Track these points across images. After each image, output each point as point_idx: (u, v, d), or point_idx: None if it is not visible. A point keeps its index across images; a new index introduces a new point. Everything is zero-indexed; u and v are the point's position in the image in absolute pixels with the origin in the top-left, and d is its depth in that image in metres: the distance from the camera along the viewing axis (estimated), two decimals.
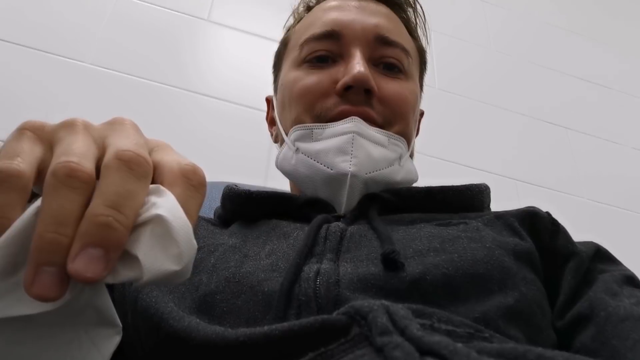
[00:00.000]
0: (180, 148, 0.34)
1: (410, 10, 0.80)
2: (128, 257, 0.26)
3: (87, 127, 0.31)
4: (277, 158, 0.71)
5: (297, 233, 0.55)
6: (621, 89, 2.04)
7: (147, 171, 0.28)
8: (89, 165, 0.27)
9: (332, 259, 0.48)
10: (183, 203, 0.29)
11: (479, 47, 1.93)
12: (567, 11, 2.20)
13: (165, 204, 0.27)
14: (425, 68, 0.81)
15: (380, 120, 0.65)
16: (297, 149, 0.65)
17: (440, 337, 0.31)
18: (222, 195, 0.67)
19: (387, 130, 0.65)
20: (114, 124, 0.32)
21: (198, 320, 0.41)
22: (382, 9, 0.74)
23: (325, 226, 0.54)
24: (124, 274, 0.26)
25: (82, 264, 0.24)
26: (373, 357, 0.31)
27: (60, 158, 0.27)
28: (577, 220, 1.44)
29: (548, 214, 0.61)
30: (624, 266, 0.57)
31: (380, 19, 0.71)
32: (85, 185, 0.26)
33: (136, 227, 0.27)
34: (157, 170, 0.30)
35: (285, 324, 0.36)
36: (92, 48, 1.37)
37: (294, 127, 0.66)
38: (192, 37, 1.51)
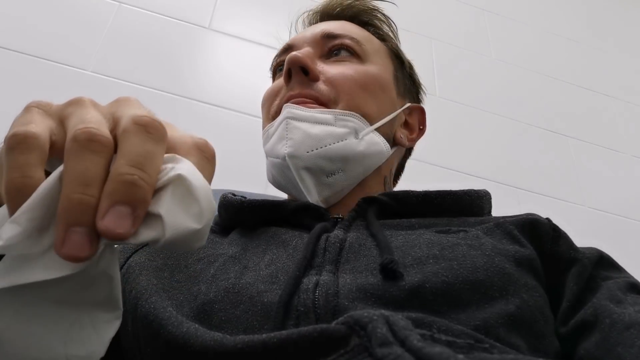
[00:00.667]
0: None
1: (386, 26, 0.84)
2: (149, 218, 0.27)
3: (94, 103, 0.32)
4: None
5: (295, 241, 0.55)
6: (623, 97, 2.04)
7: (163, 135, 0.29)
8: (107, 132, 0.28)
9: (331, 271, 0.48)
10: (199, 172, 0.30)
11: (479, 55, 1.93)
12: (568, 19, 2.21)
13: (184, 167, 0.28)
14: (403, 66, 0.81)
15: (325, 100, 0.67)
16: (266, 155, 0.70)
17: (441, 349, 0.31)
18: (218, 204, 0.67)
19: (333, 108, 0.66)
20: (120, 101, 0.33)
21: (197, 326, 0.41)
22: (344, 22, 0.78)
23: (324, 236, 0.54)
24: (146, 234, 0.27)
25: (112, 221, 0.25)
26: None
27: (78, 125, 0.28)
28: (577, 228, 1.44)
29: (548, 220, 0.60)
30: (628, 273, 0.57)
31: (331, 25, 0.75)
32: (106, 149, 0.27)
33: (156, 190, 0.27)
34: (170, 143, 0.31)
35: (284, 332, 0.36)
36: (94, 56, 1.37)
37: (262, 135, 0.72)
38: (193, 46, 1.52)
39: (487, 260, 0.49)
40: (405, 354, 0.31)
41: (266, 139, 0.69)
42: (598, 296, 0.52)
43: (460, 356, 0.30)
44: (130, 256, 0.57)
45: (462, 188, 0.66)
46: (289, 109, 0.65)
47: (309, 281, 0.46)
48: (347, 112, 0.66)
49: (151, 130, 0.29)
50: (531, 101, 1.88)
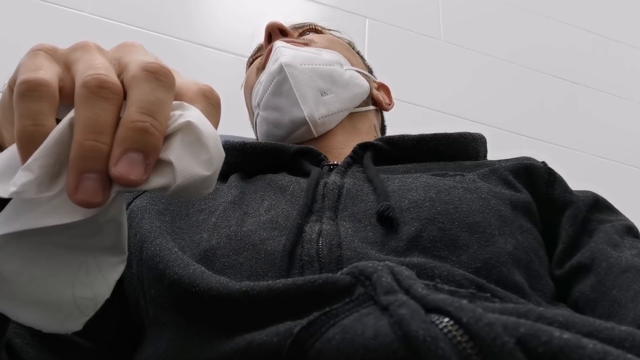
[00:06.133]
0: None
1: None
2: (160, 164, 0.27)
3: (100, 48, 0.31)
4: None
5: (293, 187, 0.55)
6: (630, 43, 2.00)
7: (172, 82, 0.29)
8: (116, 78, 0.28)
9: (331, 218, 0.49)
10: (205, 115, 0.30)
11: None
12: None
13: (193, 114, 0.29)
14: (360, 55, 0.89)
15: (303, 44, 0.75)
16: (257, 110, 0.76)
17: (445, 296, 0.32)
18: None
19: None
20: (125, 46, 0.32)
21: (203, 268, 0.42)
22: None
23: (322, 182, 0.54)
24: (157, 181, 0.27)
25: (124, 168, 0.25)
26: (378, 315, 0.32)
27: (87, 71, 0.27)
28: (581, 175, 1.43)
29: (544, 163, 0.61)
30: (624, 216, 0.58)
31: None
32: (116, 96, 0.27)
33: (166, 137, 0.28)
34: (176, 89, 0.31)
35: (289, 280, 0.37)
36: None
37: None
38: None
39: (483, 203, 0.50)
40: (410, 300, 0.32)
41: (257, 91, 0.75)
42: (595, 240, 0.53)
43: (464, 301, 0.31)
44: (132, 201, 0.58)
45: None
46: (278, 44, 0.72)
47: (311, 230, 0.46)
48: (327, 49, 0.74)
49: (161, 77, 0.28)
50: (538, 46, 1.84)
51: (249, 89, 0.81)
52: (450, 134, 0.65)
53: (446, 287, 0.37)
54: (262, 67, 0.75)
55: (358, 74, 0.75)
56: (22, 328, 0.46)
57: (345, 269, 0.38)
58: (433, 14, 1.73)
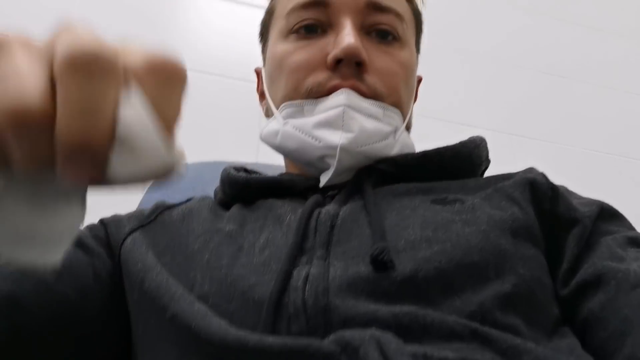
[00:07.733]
0: None
1: None
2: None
3: (28, 43, 0.25)
4: (262, 130, 0.68)
5: (289, 218, 0.54)
6: (612, 31, 2.01)
7: (110, 67, 0.23)
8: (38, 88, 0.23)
9: (322, 257, 0.47)
10: (155, 102, 0.24)
11: None
12: None
13: (128, 113, 0.24)
14: (421, 30, 0.76)
15: (370, 94, 0.61)
16: (286, 124, 0.63)
17: None
18: (221, 179, 0.67)
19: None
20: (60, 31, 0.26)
21: (206, 309, 0.43)
22: None
23: (316, 212, 0.53)
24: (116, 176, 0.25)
25: (72, 170, 0.24)
26: None
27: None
28: (570, 170, 1.43)
29: (545, 177, 0.59)
30: (628, 222, 0.56)
31: None
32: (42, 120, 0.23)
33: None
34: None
35: (279, 340, 0.38)
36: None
37: (284, 104, 0.64)
38: (175, 8, 1.48)
39: (482, 237, 0.48)
40: None
41: (298, 113, 0.62)
42: (598, 255, 0.51)
43: None
44: (135, 229, 0.58)
45: (455, 138, 0.65)
46: (349, 95, 0.59)
47: (298, 275, 0.46)
48: (393, 107, 0.63)
49: (92, 65, 0.23)
50: (519, 40, 1.86)
51: (296, 75, 0.64)
52: (452, 146, 0.63)
53: (435, 354, 0.37)
54: (315, 95, 0.62)
55: (407, 137, 0.66)
56: None
57: (332, 337, 0.38)
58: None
